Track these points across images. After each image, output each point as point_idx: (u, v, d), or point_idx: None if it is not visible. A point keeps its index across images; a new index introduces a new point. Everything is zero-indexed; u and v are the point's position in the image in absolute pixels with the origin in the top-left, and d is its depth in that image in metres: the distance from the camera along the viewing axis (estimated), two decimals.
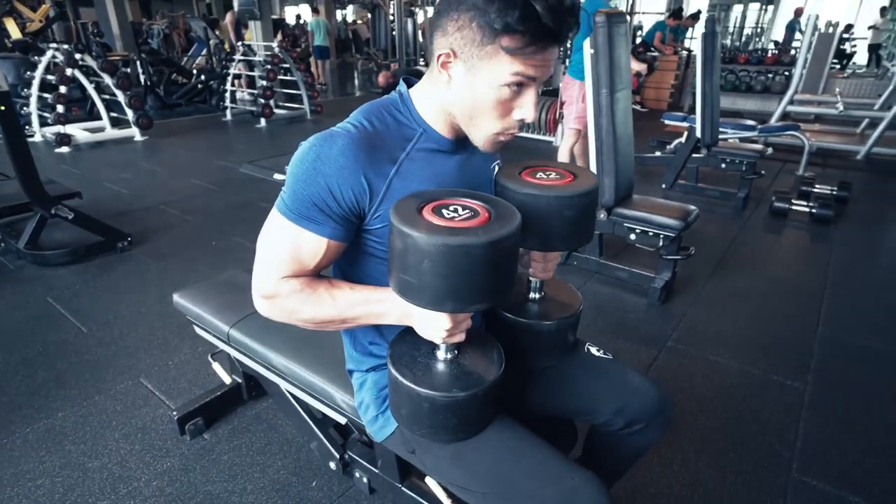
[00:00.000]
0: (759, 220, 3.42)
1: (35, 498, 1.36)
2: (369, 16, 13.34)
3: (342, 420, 1.24)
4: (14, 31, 7.46)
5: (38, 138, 5.25)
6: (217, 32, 8.76)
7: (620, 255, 2.77)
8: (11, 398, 1.71)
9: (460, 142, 0.87)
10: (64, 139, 4.98)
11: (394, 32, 10.36)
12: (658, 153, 4.65)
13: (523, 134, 5.83)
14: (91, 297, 2.36)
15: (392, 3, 10.54)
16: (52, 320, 2.16)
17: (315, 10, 10.29)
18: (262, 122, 6.43)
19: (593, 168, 2.38)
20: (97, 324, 2.14)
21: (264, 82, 6.39)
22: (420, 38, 10.02)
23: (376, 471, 1.28)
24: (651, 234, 2.33)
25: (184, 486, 1.40)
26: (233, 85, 6.77)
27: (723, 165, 3.65)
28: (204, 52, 8.71)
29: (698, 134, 3.57)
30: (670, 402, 1.04)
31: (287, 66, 6.68)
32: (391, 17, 10.68)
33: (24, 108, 5.25)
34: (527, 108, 0.78)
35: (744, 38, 13.71)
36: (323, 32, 9.47)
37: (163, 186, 4.02)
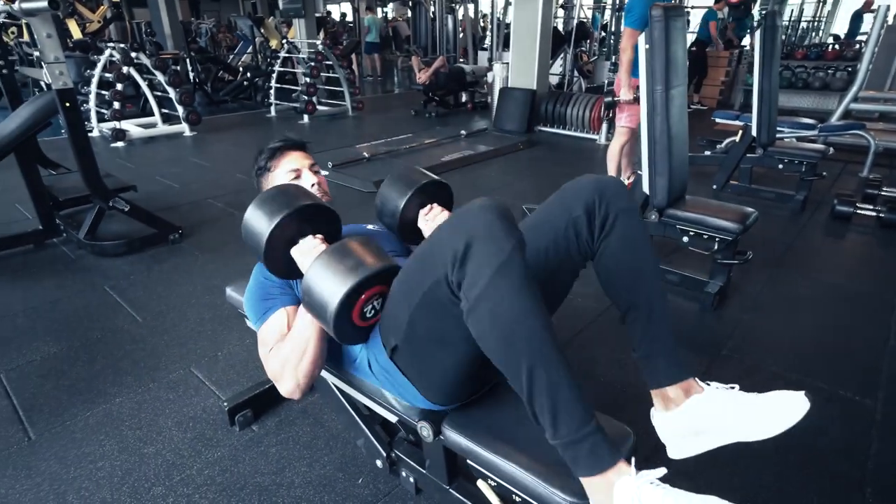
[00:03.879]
0: (819, 224, 3.25)
1: (97, 480, 1.41)
2: (409, 13, 13.38)
3: (392, 418, 1.23)
4: (75, 32, 7.84)
5: (95, 133, 5.49)
6: (262, 30, 8.95)
7: (670, 257, 2.68)
8: (73, 382, 1.79)
9: None
10: (119, 134, 5.19)
11: (434, 29, 10.37)
12: (708, 152, 4.48)
13: (568, 132, 5.72)
14: (145, 287, 2.44)
15: None
16: (110, 308, 2.24)
17: (370, 8, 10.46)
18: (305, 118, 6.54)
19: (645, 168, 2.30)
20: (150, 313, 2.21)
21: (307, 79, 6.49)
22: (461, 35, 9.98)
23: (423, 471, 1.27)
24: (706, 237, 2.23)
25: (234, 477, 1.42)
26: (279, 81, 6.91)
27: (780, 166, 3.48)
28: (249, 49, 8.92)
29: (753, 133, 3.41)
30: (614, 184, 1.05)
31: (330, 63, 6.76)
32: (432, 14, 10.68)
33: (84, 105, 5.50)
34: (304, 182, 1.32)
35: (799, 32, 13.08)
36: (376, 29, 9.65)
37: (210, 181, 4.13)
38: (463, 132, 5.53)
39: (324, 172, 4.09)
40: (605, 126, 5.31)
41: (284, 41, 6.97)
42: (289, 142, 1.38)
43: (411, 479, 1.33)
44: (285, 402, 1.69)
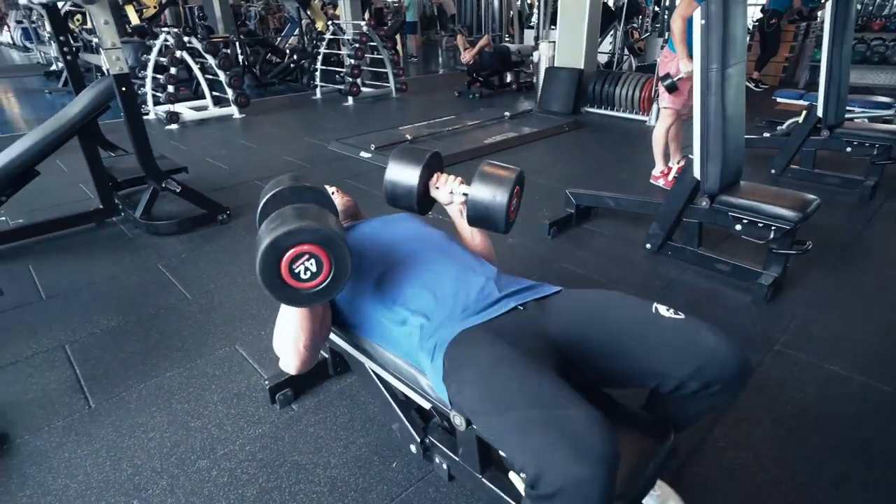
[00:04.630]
0: (891, 213, 3.01)
1: (147, 450, 1.49)
2: None
3: (426, 405, 1.23)
4: (133, 18, 8.14)
5: (151, 116, 5.71)
6: (308, 12, 9.03)
7: (721, 245, 2.55)
8: (129, 355, 1.89)
9: None
10: (173, 117, 5.39)
11: (480, 7, 10.16)
12: (767, 134, 4.21)
13: (617, 113, 5.51)
14: (195, 265, 2.54)
15: None
16: (162, 286, 2.35)
17: None
18: (350, 100, 6.58)
19: (696, 151, 2.18)
20: (200, 291, 2.30)
21: (352, 61, 6.51)
22: (510, 13, 9.74)
23: (457, 458, 1.27)
24: (761, 225, 2.11)
25: (273, 454, 1.47)
26: (325, 63, 6.97)
27: (848, 149, 3.23)
28: (296, 32, 9.02)
29: (819, 113, 3.18)
30: (751, 364, 0.97)
31: (374, 44, 6.75)
32: None
33: (141, 89, 5.73)
34: None
35: (878, 1, 12.01)
36: (414, 8, 9.58)
37: (257, 162, 4.24)
38: (507, 114, 5.43)
39: (366, 154, 4.15)
40: (655, 107, 5.07)
41: (330, 23, 7.01)
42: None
43: (444, 466, 1.34)
44: (324, 382, 1.73)
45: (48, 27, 3.33)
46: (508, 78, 7.28)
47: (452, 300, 1.11)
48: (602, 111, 5.63)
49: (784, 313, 2.08)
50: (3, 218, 3.01)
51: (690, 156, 2.25)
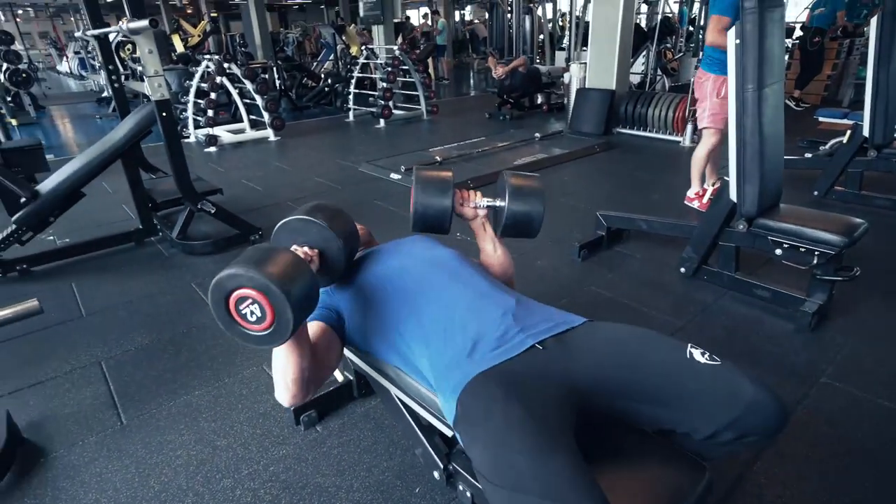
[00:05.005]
0: None
1: (174, 467, 1.50)
2: (487, 15, 13.38)
3: (448, 432, 1.20)
4: (178, 46, 8.56)
5: (192, 139, 5.95)
6: (344, 38, 9.32)
7: (760, 270, 2.45)
8: (160, 373, 1.93)
9: None
10: (212, 140, 5.60)
11: (511, 29, 10.28)
12: (809, 155, 4.07)
13: (650, 134, 5.44)
14: None
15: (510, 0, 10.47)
16: (195, 304, 2.41)
17: (436, 13, 10.64)
18: (382, 122, 6.71)
19: (732, 173, 2.11)
20: None
21: (384, 84, 6.65)
22: (540, 36, 9.81)
23: (480, 486, 1.23)
24: (803, 250, 2.01)
25: (296, 475, 1.46)
26: (358, 87, 7.14)
27: None
28: (331, 56, 9.31)
29: (865, 132, 3.05)
30: (789, 413, 0.93)
31: (406, 67, 6.89)
32: (509, 15, 10.61)
33: (183, 113, 5.99)
34: None
35: None
36: (445, 32, 9.84)
37: (290, 184, 4.34)
38: (537, 135, 5.42)
39: (396, 176, 4.20)
40: (689, 127, 4.99)
41: (363, 48, 7.20)
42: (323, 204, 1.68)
43: (468, 494, 1.30)
44: (349, 404, 1.72)
45: (99, 57, 3.52)
46: (539, 99, 7.30)
47: (462, 333, 1.06)
48: (634, 132, 5.56)
49: (830, 343, 1.96)
50: (52, 237, 3.15)
51: (726, 177, 2.18)
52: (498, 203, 1.42)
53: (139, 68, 3.11)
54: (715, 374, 0.95)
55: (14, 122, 6.00)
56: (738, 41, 1.94)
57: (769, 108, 2.00)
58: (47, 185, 2.78)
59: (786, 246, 2.07)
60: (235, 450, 1.56)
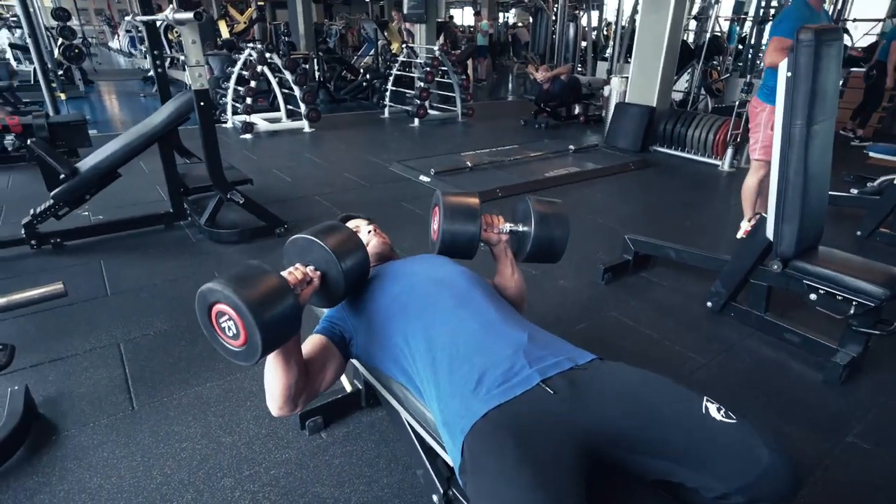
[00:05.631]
0: None
1: (179, 460, 1.52)
2: (531, 19, 13.28)
3: (449, 460, 1.18)
4: (224, 32, 8.73)
5: (229, 125, 6.06)
6: (385, 33, 9.36)
7: (791, 312, 2.35)
8: (175, 361, 1.95)
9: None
10: (248, 127, 5.69)
11: (554, 35, 10.17)
12: (854, 191, 3.89)
13: (687, 155, 5.29)
14: None
15: (556, 5, 10.35)
16: None
17: (478, 14, 10.60)
18: (416, 121, 6.71)
19: (771, 210, 2.03)
20: None
21: (422, 84, 6.65)
22: (582, 43, 9.68)
23: None
24: (840, 298, 1.92)
25: (296, 482, 1.46)
26: (395, 84, 7.17)
27: None
28: (372, 52, 9.37)
29: None
30: (801, 482, 0.93)
31: (445, 68, 6.88)
32: (553, 20, 10.50)
33: (223, 99, 6.10)
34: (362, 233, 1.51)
35: None
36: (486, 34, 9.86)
37: (320, 177, 4.37)
38: (571, 147, 5.34)
39: (425, 178, 4.19)
40: (729, 151, 4.84)
41: (404, 45, 7.21)
42: (351, 214, 1.66)
43: None
44: (354, 413, 1.71)
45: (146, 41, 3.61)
46: (577, 110, 7.20)
47: (468, 364, 1.03)
48: (672, 151, 5.43)
49: (861, 399, 1.87)
50: (87, 213, 3.24)
51: (764, 214, 2.10)
52: (522, 228, 1.40)
53: (181, 57, 3.16)
54: (730, 434, 0.90)
55: (63, 96, 6.21)
56: (789, 74, 1.86)
57: (816, 147, 1.91)
58: (87, 163, 2.85)
59: (822, 292, 1.98)
60: (239, 448, 1.56)
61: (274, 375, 1.10)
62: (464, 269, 1.32)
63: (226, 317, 0.97)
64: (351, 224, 1.56)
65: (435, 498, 1.35)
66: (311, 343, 1.23)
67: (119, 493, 1.40)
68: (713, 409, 0.92)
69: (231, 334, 0.99)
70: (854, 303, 1.88)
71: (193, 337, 2.10)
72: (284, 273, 1.08)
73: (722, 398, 0.96)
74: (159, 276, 2.59)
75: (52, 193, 2.75)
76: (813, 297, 2.00)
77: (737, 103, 4.84)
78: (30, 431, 1.58)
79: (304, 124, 6.12)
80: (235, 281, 0.97)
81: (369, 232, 1.51)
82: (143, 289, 2.46)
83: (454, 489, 1.30)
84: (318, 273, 1.16)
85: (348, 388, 1.69)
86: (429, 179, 4.22)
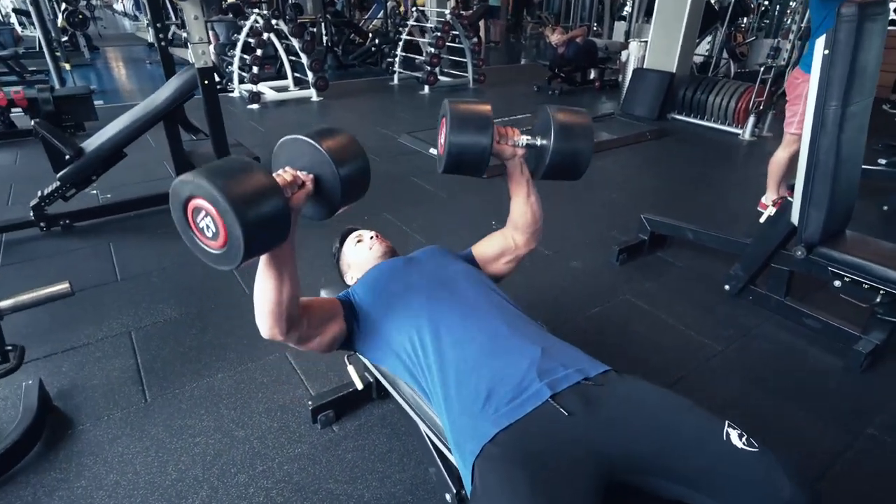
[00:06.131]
0: None
1: (193, 455, 1.53)
2: None
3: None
4: None
5: (235, 94, 5.94)
6: None
7: (812, 296, 2.28)
8: (186, 350, 1.96)
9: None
10: (255, 97, 5.57)
11: None
12: (883, 161, 3.73)
13: (707, 123, 5.10)
14: (255, 260, 2.59)
15: None
16: (225, 279, 2.41)
17: None
18: (426, 89, 6.52)
19: (797, 193, 1.93)
20: None
21: (432, 49, 6.43)
22: (598, 4, 9.26)
23: None
24: (867, 286, 1.85)
25: (309, 478, 1.46)
26: (405, 50, 6.94)
27: None
28: (380, 14, 9.05)
29: None
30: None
31: (456, 33, 6.63)
32: None
33: (229, 67, 5.96)
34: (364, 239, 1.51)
35: None
36: None
37: None
38: None
39: (435, 151, 4.08)
40: (751, 119, 4.64)
41: (413, 9, 6.94)
42: (351, 227, 1.63)
43: None
44: (366, 406, 1.70)
45: (148, 13, 3.49)
46: (592, 75, 6.94)
47: (476, 377, 1.00)
48: (690, 119, 5.23)
49: (883, 389, 1.82)
50: (95, 192, 3.22)
51: (790, 198, 2.01)
52: (540, 142, 1.27)
53: (183, 34, 3.06)
54: (752, 464, 0.87)
55: (68, 66, 6.09)
56: (826, 51, 1.73)
57: (851, 129, 1.80)
58: (92, 143, 2.81)
59: (847, 279, 1.90)
60: (252, 443, 1.57)
61: (265, 287, 1.04)
62: (468, 267, 1.30)
63: (203, 213, 0.87)
64: (352, 235, 1.56)
65: (448, 497, 1.34)
66: (321, 298, 1.30)
67: (135, 490, 1.42)
68: (735, 436, 0.88)
69: (210, 234, 0.89)
70: (881, 291, 1.81)
71: (203, 325, 2.09)
72: (273, 175, 0.98)
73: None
74: (168, 259, 2.57)
75: (58, 175, 2.72)
76: (837, 283, 1.93)
77: (762, 69, 4.61)
78: (45, 426, 1.60)
79: (312, 93, 5.98)
80: (214, 172, 0.86)
81: (371, 238, 1.49)
82: (153, 273, 2.45)
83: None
84: (311, 176, 1.04)
85: (360, 386, 1.67)
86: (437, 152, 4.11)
